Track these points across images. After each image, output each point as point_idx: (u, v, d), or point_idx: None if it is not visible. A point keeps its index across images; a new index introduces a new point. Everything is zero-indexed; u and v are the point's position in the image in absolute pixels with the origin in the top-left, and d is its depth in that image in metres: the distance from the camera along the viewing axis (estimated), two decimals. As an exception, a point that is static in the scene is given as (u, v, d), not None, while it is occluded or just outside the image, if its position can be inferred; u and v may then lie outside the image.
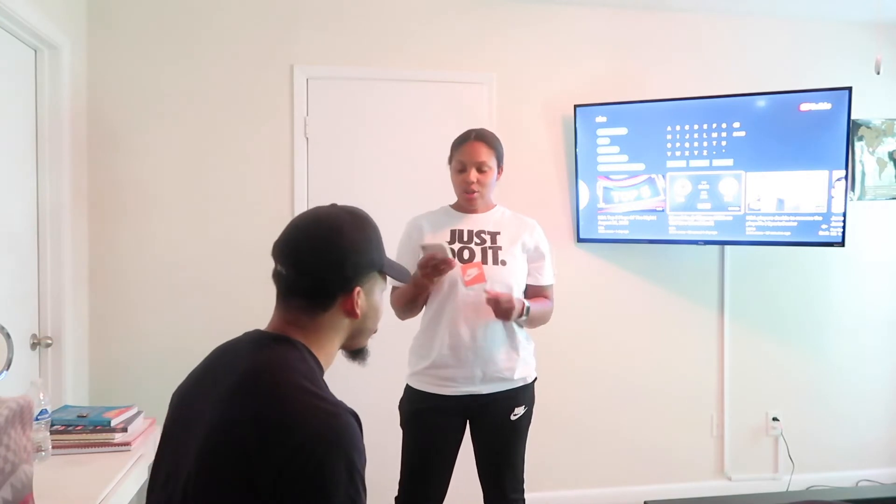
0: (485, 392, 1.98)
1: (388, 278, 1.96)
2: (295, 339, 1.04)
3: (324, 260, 1.04)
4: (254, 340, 1.06)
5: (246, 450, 0.89)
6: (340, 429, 0.93)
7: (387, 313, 2.05)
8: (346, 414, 0.96)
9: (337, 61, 2.96)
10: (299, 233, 1.07)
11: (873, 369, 3.44)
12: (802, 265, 3.33)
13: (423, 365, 2.01)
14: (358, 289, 1.06)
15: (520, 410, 2.03)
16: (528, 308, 1.95)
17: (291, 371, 0.98)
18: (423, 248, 1.86)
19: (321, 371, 1.05)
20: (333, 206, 1.13)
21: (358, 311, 1.07)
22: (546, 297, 2.09)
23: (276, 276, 1.07)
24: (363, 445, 0.96)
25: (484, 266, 1.95)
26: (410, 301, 2.00)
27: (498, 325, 1.99)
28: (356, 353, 1.17)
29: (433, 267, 1.84)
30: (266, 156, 2.89)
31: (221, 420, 0.94)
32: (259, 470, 0.88)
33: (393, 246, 2.05)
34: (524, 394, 2.05)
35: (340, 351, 1.15)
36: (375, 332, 1.17)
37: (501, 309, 1.87)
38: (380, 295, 1.14)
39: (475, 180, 1.98)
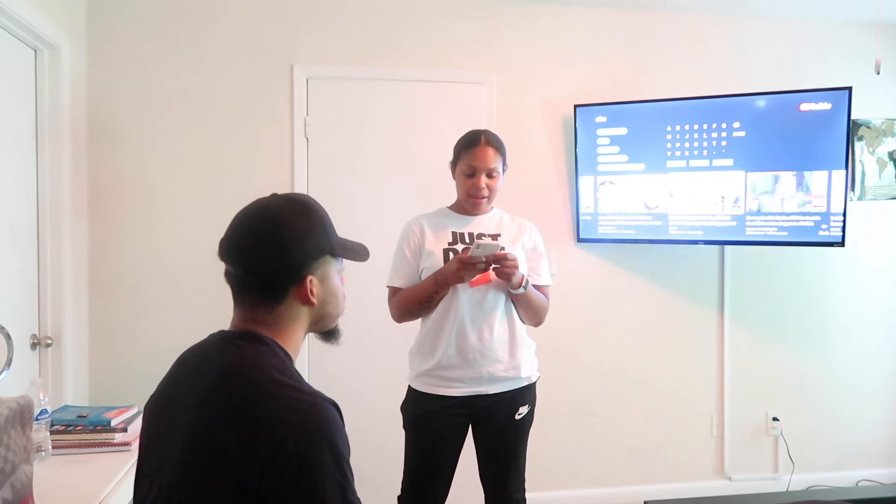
0: (491, 392, 1.98)
1: (395, 278, 2.00)
2: (261, 335, 1.03)
3: (268, 254, 1.02)
4: (221, 341, 1.04)
5: (229, 451, 0.89)
6: (320, 418, 0.93)
7: (380, 313, 2.07)
8: (324, 403, 0.95)
9: (337, 61, 2.96)
10: (241, 230, 1.05)
11: (873, 369, 3.44)
12: (802, 265, 3.34)
13: (427, 366, 2.00)
14: (310, 277, 1.05)
15: (524, 410, 2.03)
16: (528, 282, 1.94)
17: (264, 366, 0.98)
18: (479, 246, 1.80)
19: (291, 362, 1.04)
20: (274, 195, 1.11)
21: (314, 300, 1.06)
22: (544, 295, 2.09)
23: (227, 275, 1.06)
24: (345, 432, 0.96)
25: None
26: (426, 301, 1.95)
27: (503, 326, 1.99)
28: (326, 334, 1.16)
29: (492, 264, 1.82)
30: (266, 156, 2.89)
31: (200, 424, 0.93)
32: (244, 469, 0.88)
33: (388, 243, 2.06)
34: (528, 393, 2.05)
35: (313, 335, 1.14)
36: (340, 314, 1.15)
37: (505, 269, 1.84)
38: (337, 278, 1.12)
39: (485, 186, 1.97)
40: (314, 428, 0.91)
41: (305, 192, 2.86)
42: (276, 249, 1.02)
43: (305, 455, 0.88)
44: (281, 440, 0.88)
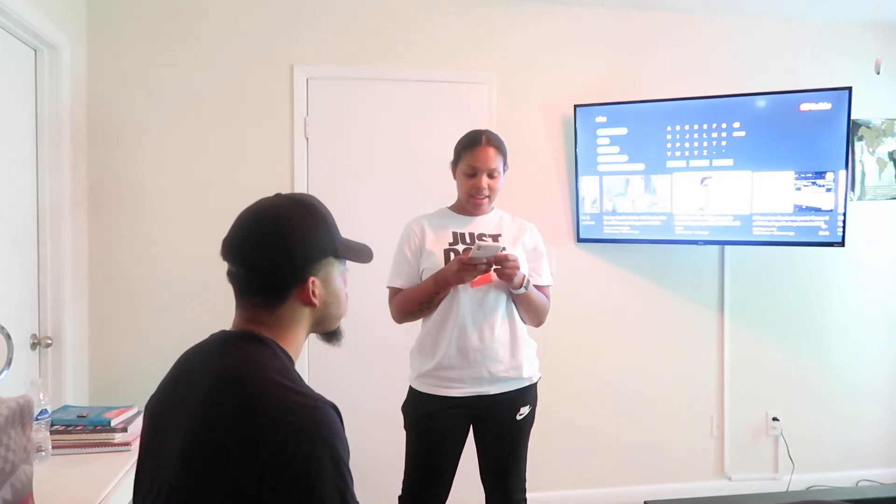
0: (492, 392, 1.98)
1: (395, 279, 2.00)
2: (262, 335, 1.02)
3: (270, 255, 1.02)
4: (221, 341, 1.04)
5: (228, 452, 0.88)
6: (320, 421, 0.92)
7: (381, 314, 2.07)
8: (324, 406, 0.95)
9: (337, 61, 2.96)
10: (243, 230, 1.05)
11: (873, 369, 3.44)
12: (802, 265, 3.33)
13: (427, 367, 1.99)
14: (312, 278, 1.04)
15: (525, 410, 2.03)
16: (529, 282, 1.94)
17: (264, 368, 0.97)
18: (480, 247, 1.79)
19: (292, 363, 1.04)
20: (277, 195, 1.10)
21: (316, 301, 1.05)
22: (545, 296, 2.09)
23: (230, 275, 1.06)
24: (345, 435, 0.96)
25: None
26: (427, 302, 1.95)
27: (504, 326, 1.99)
28: (328, 335, 1.15)
29: (491, 266, 1.81)
30: (266, 156, 2.89)
31: (199, 425, 0.93)
32: (243, 471, 0.87)
33: (388, 243, 2.06)
34: (529, 393, 2.05)
35: (315, 335, 1.14)
36: (342, 316, 1.14)
37: (506, 270, 1.83)
38: (340, 279, 1.11)
39: (486, 186, 1.97)
40: (314, 431, 0.91)
41: (306, 192, 2.88)
42: (279, 250, 1.02)
43: (305, 458, 0.88)
44: (280, 443, 0.88)
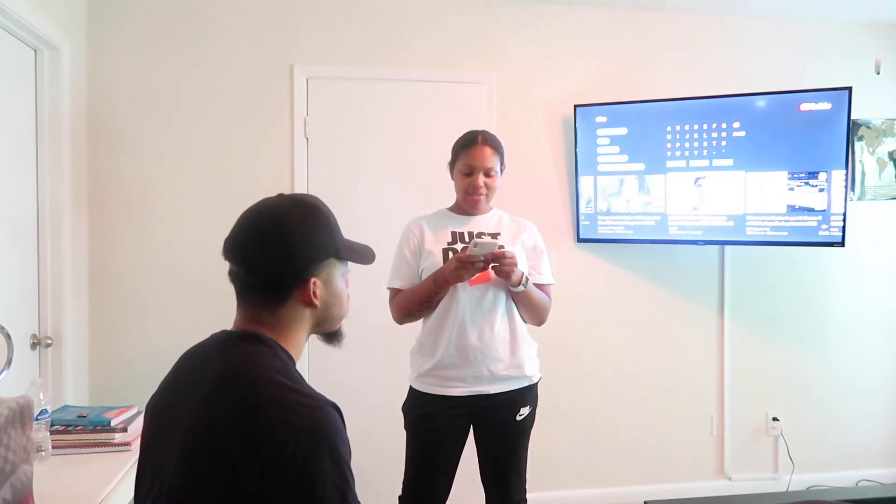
0: (492, 392, 1.98)
1: (395, 280, 2.00)
2: (263, 335, 1.02)
3: (271, 256, 1.02)
4: (222, 341, 1.04)
5: (228, 453, 0.88)
6: (321, 421, 0.92)
7: (381, 314, 2.07)
8: (325, 406, 0.95)
9: (337, 61, 2.96)
10: (244, 230, 1.05)
11: (873, 369, 3.44)
12: (802, 265, 3.33)
13: (427, 366, 2.00)
14: (313, 279, 1.04)
15: (525, 410, 2.02)
16: (528, 279, 1.94)
17: (265, 368, 0.97)
18: (477, 244, 1.80)
19: (293, 363, 1.04)
20: (280, 196, 1.10)
21: (317, 302, 1.05)
22: (546, 294, 2.08)
23: (231, 275, 1.06)
24: (346, 435, 0.96)
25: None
26: (426, 301, 1.96)
27: (504, 324, 1.99)
28: (329, 336, 1.15)
29: (488, 263, 1.82)
30: (266, 156, 2.89)
31: (200, 424, 0.93)
32: (243, 471, 0.87)
33: (388, 244, 2.06)
34: (529, 394, 2.05)
35: (315, 336, 1.13)
36: (344, 317, 1.14)
37: (504, 267, 1.84)
38: (341, 280, 1.11)
39: (483, 184, 1.98)
40: (315, 431, 0.90)
41: (306, 193, 2.87)
42: (280, 251, 1.02)
43: (305, 459, 0.88)
44: (281, 443, 0.88)
